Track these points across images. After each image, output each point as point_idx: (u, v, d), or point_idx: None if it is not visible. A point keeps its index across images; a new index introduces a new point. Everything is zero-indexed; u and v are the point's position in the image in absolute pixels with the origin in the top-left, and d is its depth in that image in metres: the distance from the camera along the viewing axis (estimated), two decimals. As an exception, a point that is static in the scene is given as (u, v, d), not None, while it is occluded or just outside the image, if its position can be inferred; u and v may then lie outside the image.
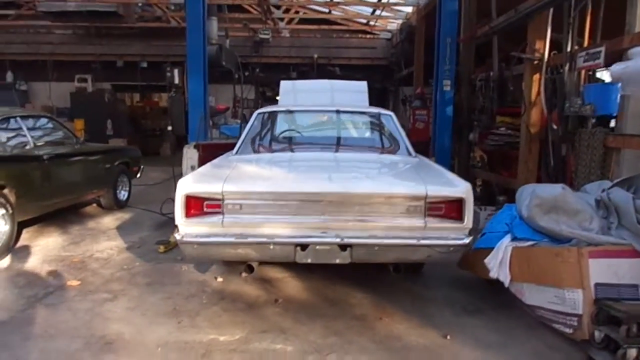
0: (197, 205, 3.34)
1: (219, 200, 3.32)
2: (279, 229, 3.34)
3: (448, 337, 3.28)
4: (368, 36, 13.44)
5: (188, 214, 3.32)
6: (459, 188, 3.38)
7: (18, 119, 5.31)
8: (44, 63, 11.91)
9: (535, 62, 5.03)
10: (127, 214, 6.87)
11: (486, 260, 3.68)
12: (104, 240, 5.55)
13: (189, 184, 3.39)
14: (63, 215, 6.52)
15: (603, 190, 3.36)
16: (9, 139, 5.05)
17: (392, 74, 13.24)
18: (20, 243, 5.17)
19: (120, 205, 7.12)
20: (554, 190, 3.38)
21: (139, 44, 12.22)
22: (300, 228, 3.35)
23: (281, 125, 4.84)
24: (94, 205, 7.27)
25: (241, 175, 3.73)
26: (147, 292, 4.03)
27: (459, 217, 3.33)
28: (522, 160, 5.08)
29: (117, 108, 13.34)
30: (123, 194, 7.30)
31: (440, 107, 6.12)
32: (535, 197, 3.36)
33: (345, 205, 3.35)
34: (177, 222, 3.35)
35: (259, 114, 4.89)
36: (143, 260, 4.83)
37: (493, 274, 3.65)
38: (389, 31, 13.13)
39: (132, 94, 16.32)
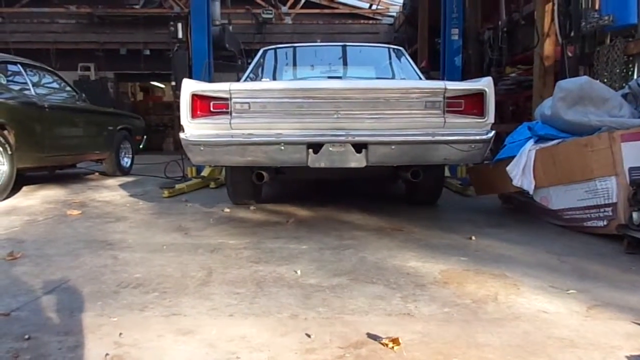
0: (203, 106, 3.17)
1: (226, 99, 3.16)
2: (290, 130, 3.17)
3: (473, 238, 3.08)
4: (370, 22, 13.38)
5: (194, 115, 3.16)
6: (480, 82, 3.21)
7: (19, 65, 5.17)
8: (47, 52, 11.84)
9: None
10: (130, 178, 6.70)
11: (508, 168, 3.50)
12: (106, 192, 5.37)
13: (195, 84, 3.22)
14: (64, 179, 6.37)
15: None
16: (9, 82, 4.91)
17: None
18: (18, 194, 5.00)
19: (123, 172, 6.95)
20: (579, 80, 3.21)
21: (143, 31, 12.16)
22: (313, 129, 3.18)
23: (288, 58, 4.68)
24: (96, 173, 7.11)
25: (249, 82, 3.56)
26: (152, 218, 3.85)
27: (480, 113, 3.15)
28: (536, 94, 4.91)
29: (121, 101, 13.30)
30: (126, 161, 7.15)
31: (449, 57, 5.95)
32: (560, 89, 3.18)
33: (360, 103, 3.18)
34: (182, 122, 3.18)
35: (265, 50, 4.75)
36: (146, 201, 4.65)
37: (516, 182, 3.47)
38: (391, 16, 13.07)
39: (135, 86, 16.28)
